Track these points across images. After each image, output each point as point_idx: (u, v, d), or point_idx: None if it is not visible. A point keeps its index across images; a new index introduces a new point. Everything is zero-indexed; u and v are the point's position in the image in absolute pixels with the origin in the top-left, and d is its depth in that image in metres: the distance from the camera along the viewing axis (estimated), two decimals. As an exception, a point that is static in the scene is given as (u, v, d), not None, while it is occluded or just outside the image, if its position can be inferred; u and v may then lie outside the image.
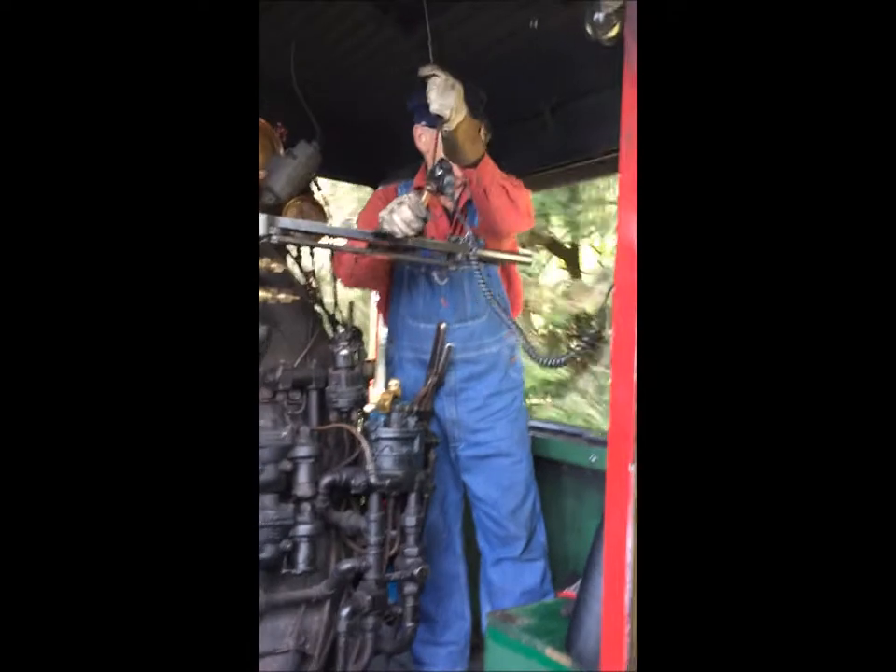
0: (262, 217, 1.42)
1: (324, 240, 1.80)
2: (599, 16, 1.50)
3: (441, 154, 1.76)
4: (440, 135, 1.69)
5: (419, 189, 1.71)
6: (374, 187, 2.68)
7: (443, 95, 1.58)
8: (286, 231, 1.47)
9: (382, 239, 1.67)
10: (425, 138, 1.94)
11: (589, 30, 1.51)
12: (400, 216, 1.60)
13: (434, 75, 1.58)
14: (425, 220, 1.65)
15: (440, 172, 1.59)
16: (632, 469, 0.97)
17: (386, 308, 2.14)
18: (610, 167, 2.08)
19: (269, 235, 1.42)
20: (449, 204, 1.99)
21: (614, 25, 1.46)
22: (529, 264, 1.84)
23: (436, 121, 1.69)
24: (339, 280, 2.00)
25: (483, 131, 1.89)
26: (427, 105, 1.66)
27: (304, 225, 1.63)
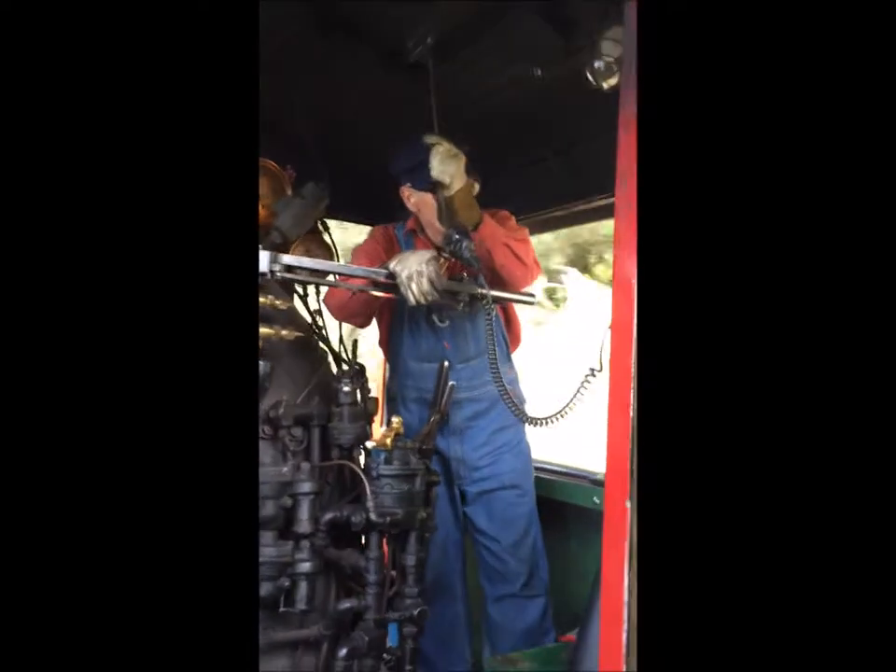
0: (265, 255, 1.45)
1: (329, 279, 1.82)
2: (600, 64, 1.55)
3: (429, 215, 1.79)
4: (439, 199, 1.74)
5: (437, 255, 1.72)
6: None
7: (445, 163, 1.66)
8: (289, 269, 1.49)
9: (389, 281, 1.69)
10: (414, 199, 1.93)
11: (590, 77, 1.57)
12: (420, 288, 1.63)
13: (438, 143, 1.64)
14: (439, 291, 1.67)
15: (456, 237, 1.62)
16: (628, 505, 0.97)
17: (387, 346, 2.16)
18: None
19: (272, 272, 1.45)
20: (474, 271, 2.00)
21: (615, 73, 1.51)
22: (532, 303, 1.86)
23: (425, 184, 1.75)
24: (329, 312, 1.99)
25: (474, 185, 1.92)
26: (414, 168, 1.76)
27: (307, 262, 1.66)
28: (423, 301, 1.64)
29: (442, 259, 1.65)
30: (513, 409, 1.51)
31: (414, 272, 1.62)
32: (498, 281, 1.80)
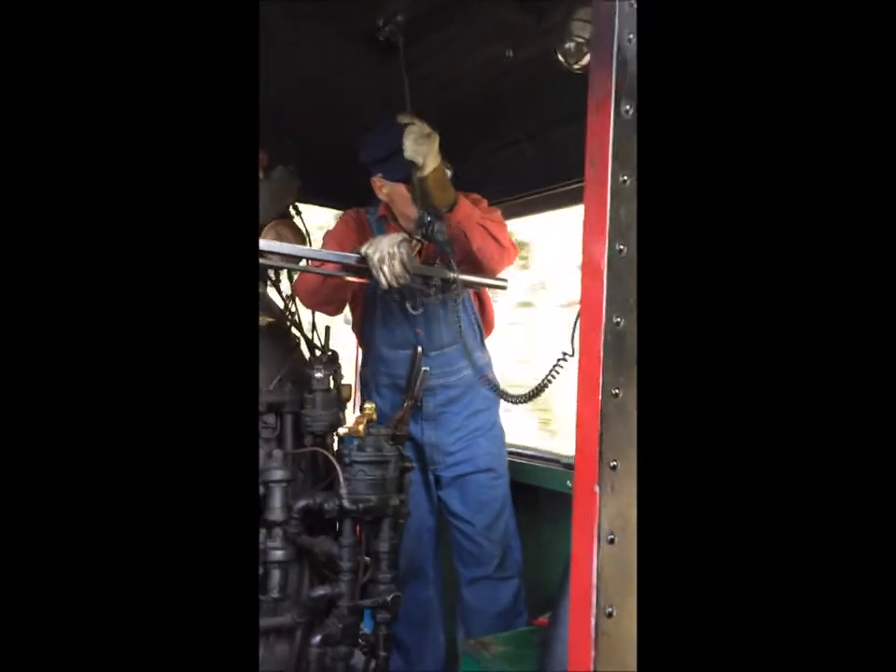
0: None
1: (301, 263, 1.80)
2: (570, 45, 1.54)
3: (401, 205, 1.78)
4: (413, 182, 1.71)
5: (409, 238, 1.70)
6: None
7: (418, 142, 1.63)
8: (261, 254, 1.47)
9: (361, 265, 1.67)
10: (386, 189, 1.90)
11: (561, 58, 1.56)
12: (392, 270, 1.61)
13: (412, 123, 1.62)
14: (411, 274, 1.65)
15: (428, 219, 1.60)
16: (597, 489, 0.97)
17: (360, 333, 2.15)
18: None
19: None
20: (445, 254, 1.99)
21: (585, 54, 1.50)
22: (505, 288, 1.85)
23: (397, 175, 1.74)
24: (300, 300, 1.96)
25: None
26: (385, 158, 1.73)
27: (282, 247, 1.64)
28: (395, 283, 1.62)
29: (415, 242, 1.64)
30: (490, 385, 1.51)
31: (386, 254, 1.60)
32: (475, 263, 1.79)
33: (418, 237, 1.63)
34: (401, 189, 1.85)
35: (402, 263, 1.59)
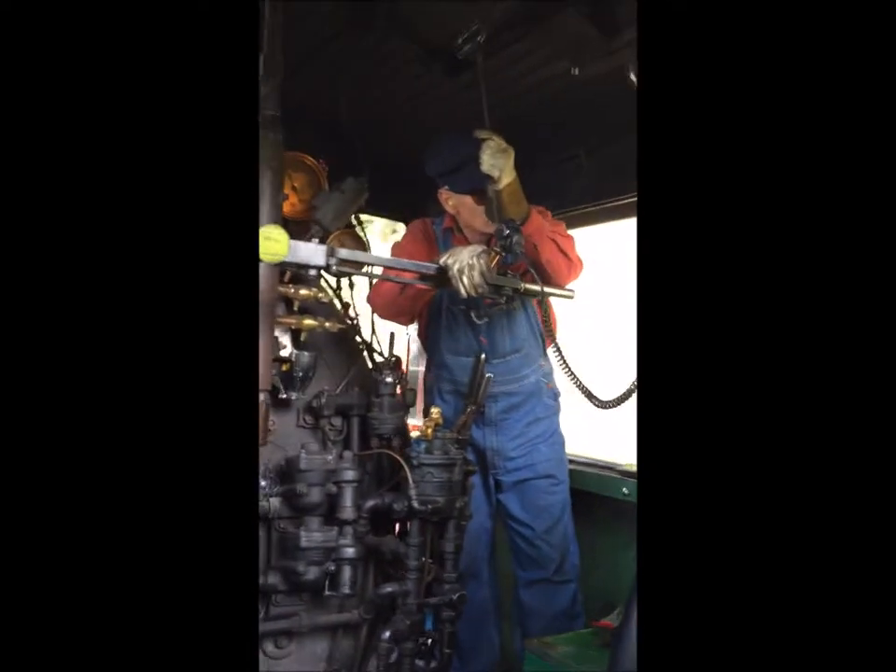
0: (322, 248, 1.49)
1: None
2: (642, 64, 1.58)
3: (467, 217, 1.82)
4: (489, 195, 1.76)
5: (488, 249, 1.73)
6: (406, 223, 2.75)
7: (495, 157, 1.68)
8: (342, 262, 1.53)
9: (437, 277, 1.74)
10: (452, 202, 1.98)
11: (633, 77, 1.60)
12: (472, 280, 1.65)
13: (490, 138, 1.68)
14: (490, 285, 1.69)
15: (507, 232, 1.64)
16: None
17: (426, 340, 2.21)
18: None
19: (328, 265, 1.49)
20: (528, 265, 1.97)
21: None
22: (572, 297, 1.89)
23: (464, 187, 1.80)
24: (374, 310, 2.04)
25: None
26: (452, 170, 1.80)
27: (362, 256, 1.70)
28: (473, 293, 1.67)
29: (493, 253, 1.69)
30: (585, 393, 1.54)
31: (465, 265, 1.65)
32: (543, 275, 1.84)
33: (496, 249, 1.68)
34: (468, 200, 1.92)
35: (482, 274, 1.65)
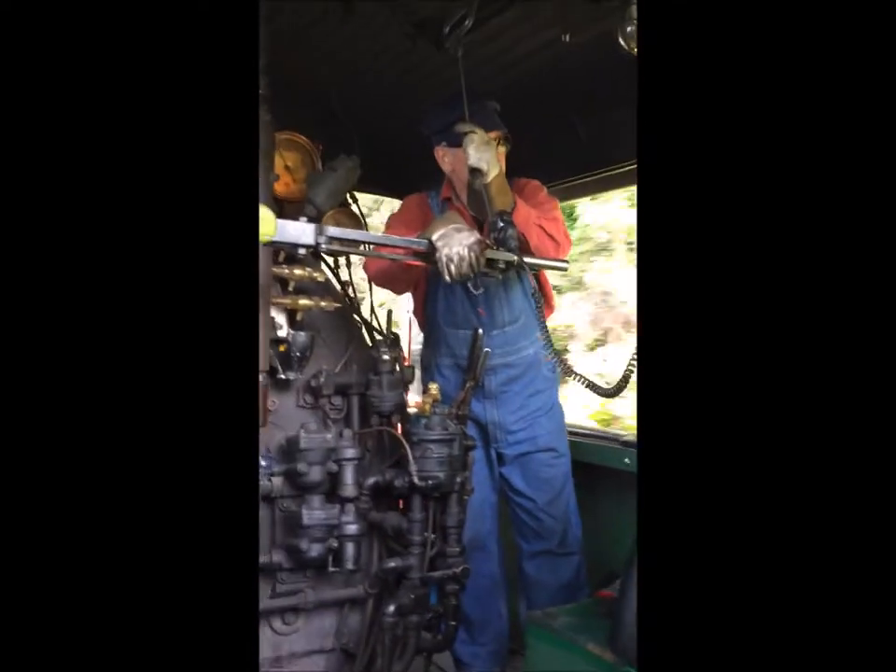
0: (312, 227, 1.48)
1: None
2: (631, 28, 1.55)
3: (465, 173, 1.82)
4: (476, 187, 1.76)
5: (482, 240, 1.72)
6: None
7: (480, 150, 1.69)
8: (332, 240, 1.52)
9: (428, 253, 1.72)
10: (448, 159, 1.98)
11: (621, 41, 1.57)
12: (459, 269, 1.64)
13: (473, 132, 1.68)
14: (476, 273, 1.69)
15: (501, 225, 1.65)
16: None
17: (423, 314, 2.20)
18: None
19: (317, 245, 1.48)
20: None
21: (646, 37, 1.51)
22: (566, 269, 1.88)
23: (473, 174, 1.76)
24: (368, 278, 2.03)
25: (502, 143, 1.94)
26: (447, 126, 1.79)
27: (352, 234, 1.69)
28: (459, 278, 1.67)
29: (485, 246, 1.68)
30: (580, 380, 1.54)
31: (455, 253, 1.64)
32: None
33: (489, 241, 1.68)
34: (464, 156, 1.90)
35: (471, 266, 1.64)
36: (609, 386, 1.49)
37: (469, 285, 1.97)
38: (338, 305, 1.85)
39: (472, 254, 1.64)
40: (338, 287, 2.04)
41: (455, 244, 1.65)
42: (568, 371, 1.63)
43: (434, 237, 1.67)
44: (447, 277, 1.66)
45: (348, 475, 1.68)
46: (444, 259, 1.64)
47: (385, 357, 1.78)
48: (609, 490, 2.25)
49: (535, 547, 2.11)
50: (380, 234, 1.86)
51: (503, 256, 1.68)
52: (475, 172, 1.72)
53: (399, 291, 2.16)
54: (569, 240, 1.95)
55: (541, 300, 1.88)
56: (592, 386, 1.53)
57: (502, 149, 1.98)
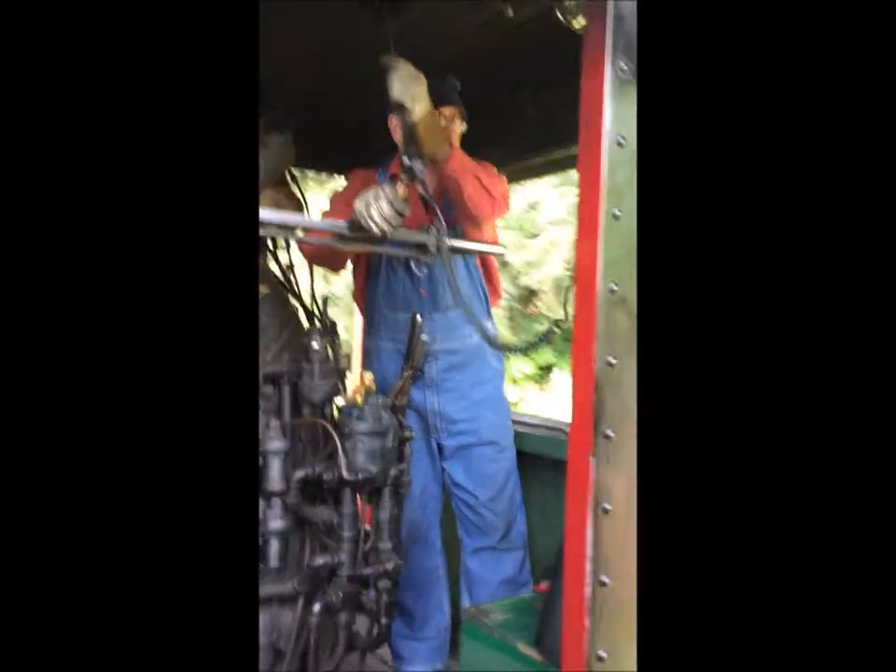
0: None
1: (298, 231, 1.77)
2: (570, 2, 1.48)
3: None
4: (402, 125, 1.65)
5: (394, 179, 1.65)
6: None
7: (405, 83, 1.53)
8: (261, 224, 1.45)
9: (357, 232, 1.64)
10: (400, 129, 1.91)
11: (560, 16, 1.50)
12: (379, 211, 1.55)
13: (396, 62, 1.54)
14: (402, 215, 1.60)
15: (408, 163, 1.55)
16: (592, 460, 0.95)
17: (363, 298, 2.12)
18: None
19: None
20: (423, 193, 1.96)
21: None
22: (503, 255, 1.81)
23: (396, 110, 1.64)
24: (303, 256, 1.96)
25: (458, 120, 1.87)
26: None
27: (279, 217, 1.61)
28: (386, 227, 1.57)
29: (399, 183, 1.59)
30: (479, 330, 1.48)
31: (371, 197, 1.55)
32: (466, 213, 1.76)
33: (400, 177, 1.58)
34: None
35: (389, 202, 1.54)
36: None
37: (413, 265, 1.89)
38: (266, 292, 1.77)
39: (385, 191, 1.56)
40: (277, 270, 1.96)
41: (369, 193, 1.57)
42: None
43: (354, 206, 1.60)
44: (374, 227, 1.57)
45: (274, 468, 1.60)
46: (363, 210, 1.56)
47: (315, 344, 1.70)
48: (553, 482, 2.19)
49: (477, 542, 2.05)
50: (303, 218, 1.77)
51: (430, 240, 1.61)
52: (399, 108, 1.56)
53: (336, 268, 2.07)
54: (507, 203, 1.87)
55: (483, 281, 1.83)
56: (494, 342, 1.48)
57: (459, 128, 1.91)
